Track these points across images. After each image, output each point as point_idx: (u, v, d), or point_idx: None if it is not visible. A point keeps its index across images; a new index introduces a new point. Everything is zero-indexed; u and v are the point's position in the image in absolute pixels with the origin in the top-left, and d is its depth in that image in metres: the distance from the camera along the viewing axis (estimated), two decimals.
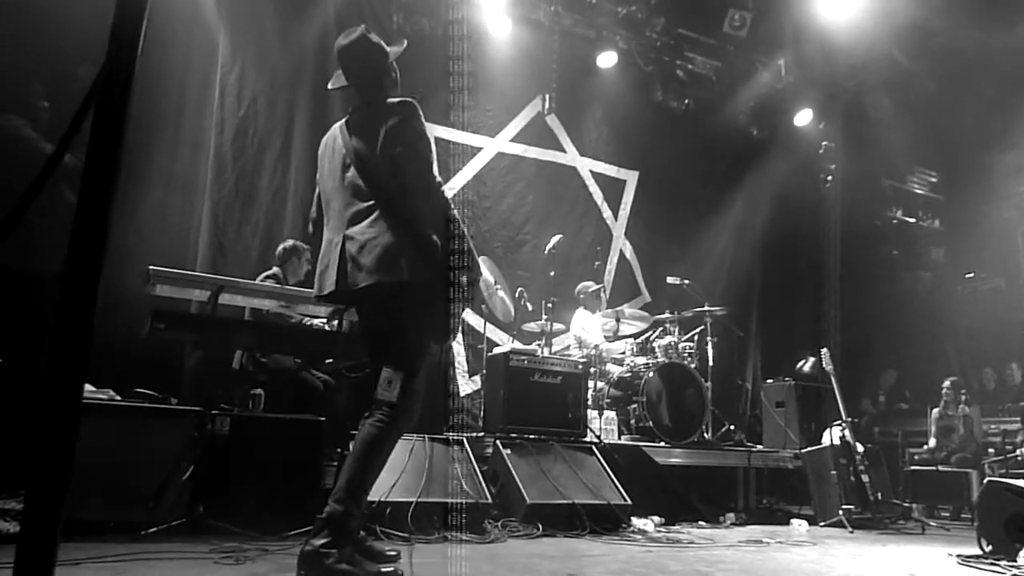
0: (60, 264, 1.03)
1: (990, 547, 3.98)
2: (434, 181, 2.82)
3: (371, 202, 2.81)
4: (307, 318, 4.84)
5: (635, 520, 4.67)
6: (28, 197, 1.13)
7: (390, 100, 2.90)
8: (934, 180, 10.77)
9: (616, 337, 6.83)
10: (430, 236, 2.75)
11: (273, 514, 3.51)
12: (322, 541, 2.52)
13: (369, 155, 2.83)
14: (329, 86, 3.11)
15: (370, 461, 2.70)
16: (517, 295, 6.45)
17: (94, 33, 1.81)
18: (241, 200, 6.34)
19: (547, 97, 8.16)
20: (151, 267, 3.92)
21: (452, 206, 2.87)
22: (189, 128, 6.17)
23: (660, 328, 6.97)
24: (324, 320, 4.71)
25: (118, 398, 3.76)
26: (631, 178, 8.96)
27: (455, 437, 4.71)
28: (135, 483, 3.36)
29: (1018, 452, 7.20)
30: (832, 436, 5.90)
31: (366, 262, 2.72)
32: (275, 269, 5.26)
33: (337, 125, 3.04)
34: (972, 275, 10.71)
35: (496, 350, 5.85)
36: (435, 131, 7.01)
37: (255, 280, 5.20)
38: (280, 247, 5.43)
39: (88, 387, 3.62)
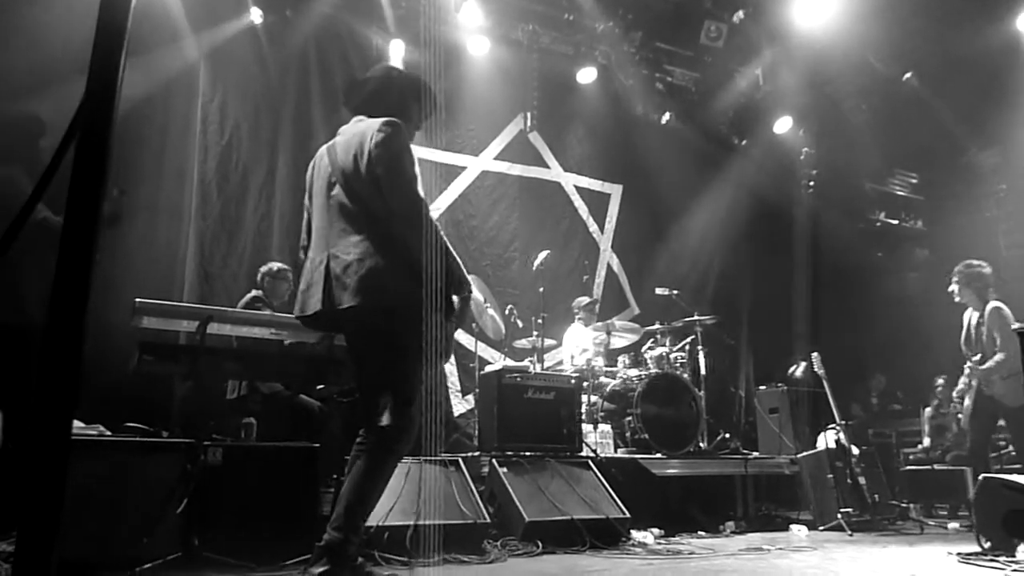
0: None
1: (989, 544, 3.98)
2: (419, 199, 2.78)
3: (357, 221, 2.78)
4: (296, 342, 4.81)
5: (635, 533, 4.65)
6: (18, 221, 1.12)
7: (375, 118, 2.90)
8: (915, 181, 10.85)
9: (608, 350, 6.82)
10: (417, 257, 2.68)
11: (270, 544, 3.46)
12: (321, 569, 2.49)
13: (355, 174, 2.81)
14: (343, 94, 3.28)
15: (369, 487, 2.67)
16: (507, 312, 6.44)
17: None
18: (227, 228, 6.32)
19: (529, 114, 8.21)
20: (137, 300, 3.88)
21: (439, 225, 2.85)
22: (172, 158, 6.15)
23: (651, 339, 6.98)
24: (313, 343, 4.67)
25: (108, 433, 3.72)
26: (615, 191, 9.01)
27: (450, 458, 4.69)
28: (128, 518, 3.31)
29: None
30: (827, 440, 5.91)
31: (350, 282, 2.68)
32: (260, 292, 5.24)
33: (325, 146, 3.04)
34: None
35: (488, 368, 5.84)
36: (418, 152, 7.00)
37: (239, 302, 5.18)
38: (262, 271, 5.41)
39: (77, 423, 3.58)
